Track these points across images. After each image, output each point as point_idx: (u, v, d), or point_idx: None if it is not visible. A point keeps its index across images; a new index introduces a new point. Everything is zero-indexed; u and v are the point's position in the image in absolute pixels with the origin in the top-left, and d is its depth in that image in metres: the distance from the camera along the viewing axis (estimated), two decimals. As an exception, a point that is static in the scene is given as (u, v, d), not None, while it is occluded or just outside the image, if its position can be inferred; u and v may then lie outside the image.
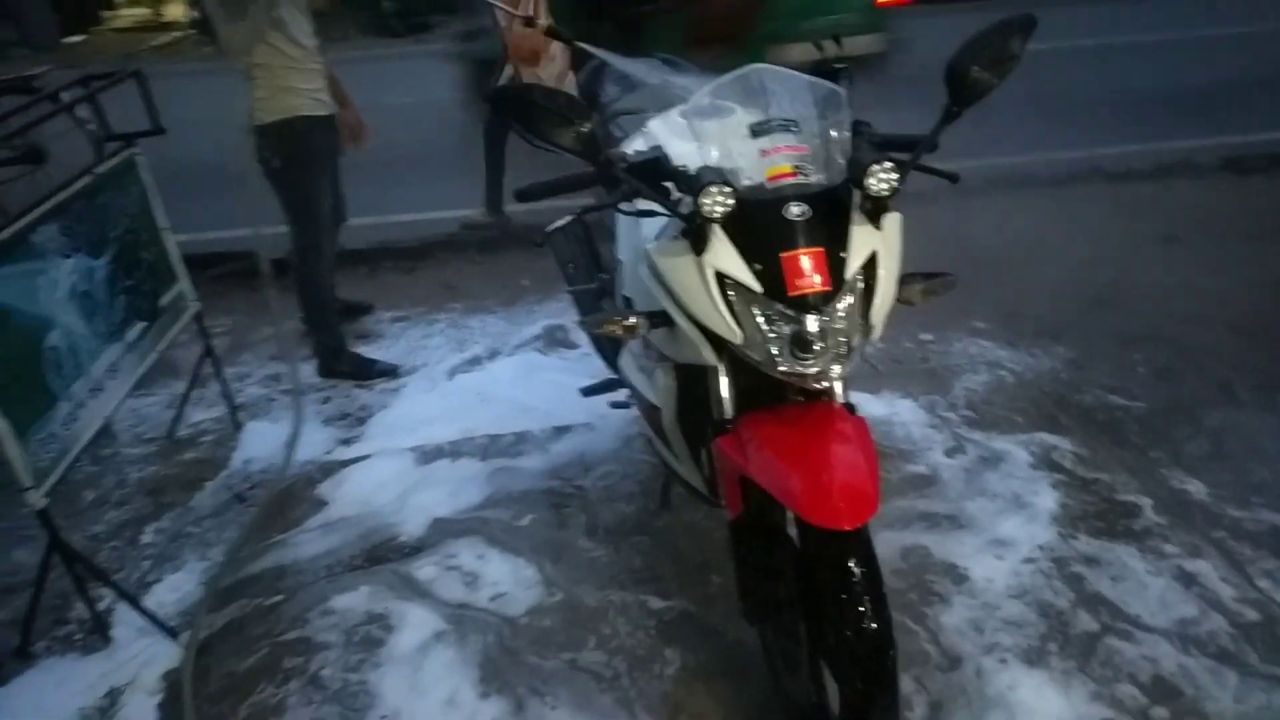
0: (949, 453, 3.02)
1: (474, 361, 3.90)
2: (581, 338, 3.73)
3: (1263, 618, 2.31)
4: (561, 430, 3.30)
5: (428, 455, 3.23)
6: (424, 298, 4.58)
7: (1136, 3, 10.26)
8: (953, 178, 1.95)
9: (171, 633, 2.52)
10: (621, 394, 2.82)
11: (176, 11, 15.49)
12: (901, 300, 1.90)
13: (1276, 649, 2.23)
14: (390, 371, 3.86)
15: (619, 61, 3.45)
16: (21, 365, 2.40)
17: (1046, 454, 2.97)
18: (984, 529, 2.66)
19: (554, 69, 4.78)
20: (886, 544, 2.59)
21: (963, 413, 3.25)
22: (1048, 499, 2.76)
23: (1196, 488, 2.79)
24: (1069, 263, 4.32)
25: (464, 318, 4.33)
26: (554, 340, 4.00)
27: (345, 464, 3.22)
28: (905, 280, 1.90)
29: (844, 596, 1.68)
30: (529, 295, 4.46)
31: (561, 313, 4.13)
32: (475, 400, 3.55)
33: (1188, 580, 2.44)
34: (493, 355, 3.94)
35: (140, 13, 16.23)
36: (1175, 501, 2.73)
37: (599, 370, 2.99)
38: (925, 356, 3.67)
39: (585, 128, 1.72)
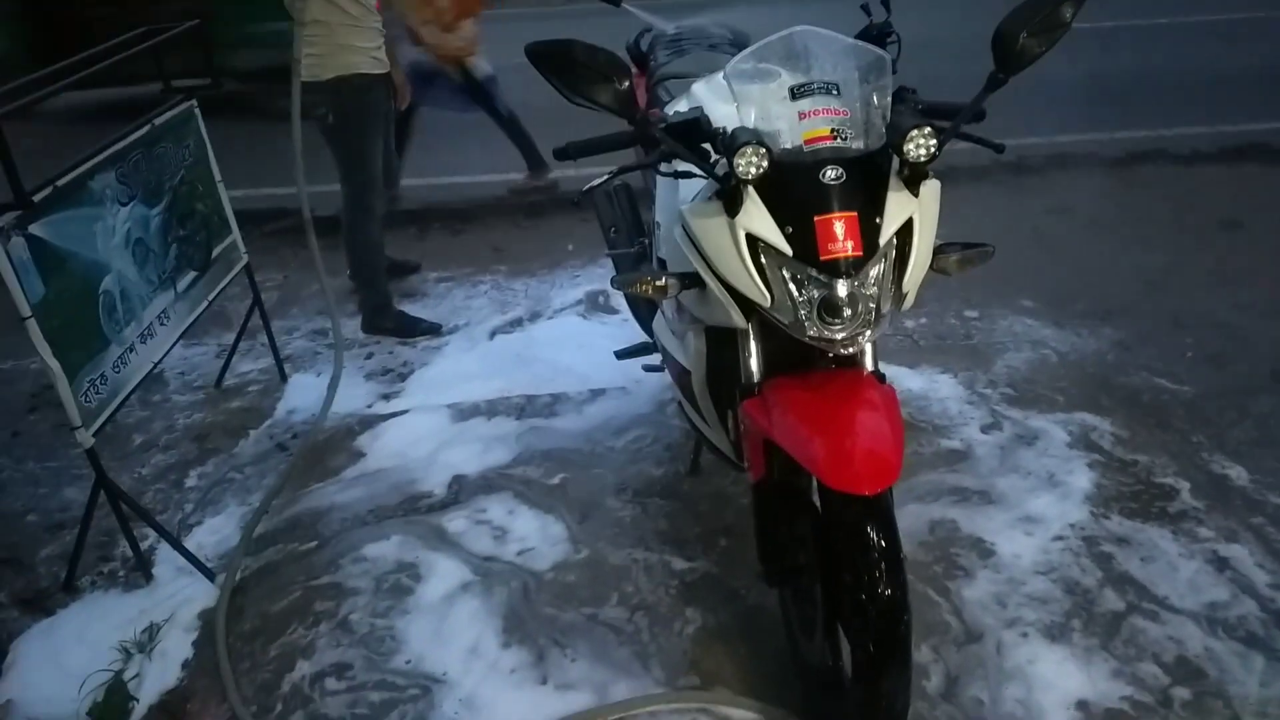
0: (985, 429, 2.99)
1: (515, 323, 3.95)
2: (622, 303, 3.74)
3: (1296, 604, 2.27)
4: (597, 393, 3.32)
5: (464, 412, 3.27)
6: (470, 259, 4.63)
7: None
8: (998, 148, 1.91)
9: (209, 573, 2.59)
10: (655, 358, 2.84)
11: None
12: (936, 269, 1.88)
13: (1309, 636, 2.18)
14: (433, 330, 3.91)
15: (667, 26, 3.44)
16: (75, 308, 2.47)
17: (1085, 434, 2.93)
18: (1015, 505, 2.63)
19: (467, 33, 4.78)
20: (914, 516, 2.58)
21: (1002, 390, 3.20)
22: (1082, 478, 2.72)
23: (1238, 473, 2.73)
24: (1124, 244, 4.23)
25: (508, 280, 4.37)
26: (595, 305, 4.03)
27: (384, 418, 3.28)
28: (941, 249, 1.88)
29: (861, 562, 1.69)
30: (572, 260, 4.48)
31: (604, 278, 4.15)
32: (514, 361, 3.59)
33: (1221, 564, 2.39)
34: (534, 317, 3.98)
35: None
36: (1214, 486, 2.68)
37: (638, 336, 3.00)
38: (969, 333, 3.62)
39: (624, 85, 1.71)
